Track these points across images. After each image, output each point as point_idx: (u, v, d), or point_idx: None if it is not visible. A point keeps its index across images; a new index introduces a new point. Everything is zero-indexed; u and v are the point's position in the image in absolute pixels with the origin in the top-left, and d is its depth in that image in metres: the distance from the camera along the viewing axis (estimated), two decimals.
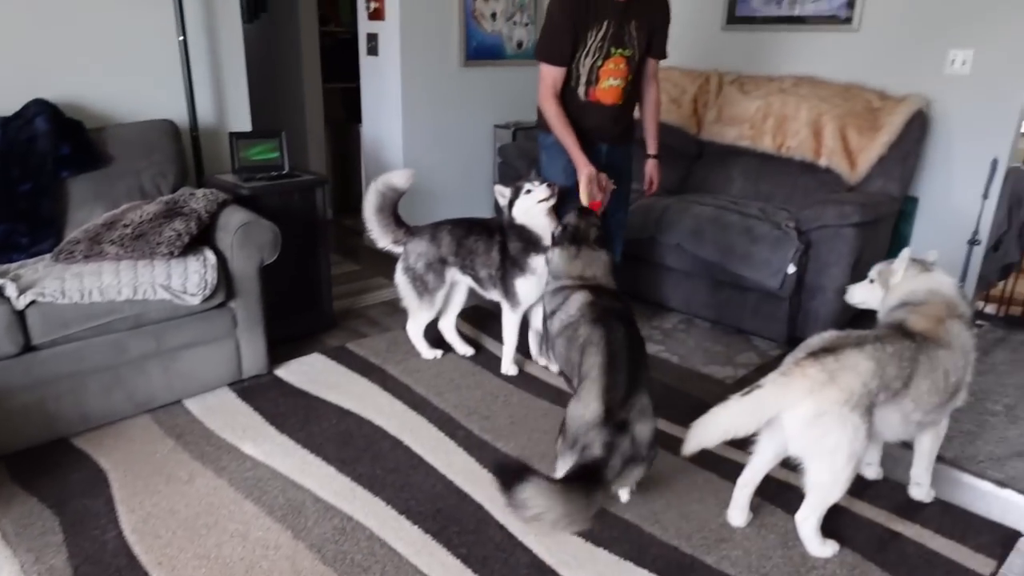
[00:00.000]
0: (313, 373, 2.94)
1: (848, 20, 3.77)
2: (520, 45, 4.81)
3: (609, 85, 2.75)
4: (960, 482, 2.38)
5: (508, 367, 3.01)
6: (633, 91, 2.86)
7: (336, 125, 5.49)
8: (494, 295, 2.96)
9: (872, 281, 2.32)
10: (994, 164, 3.44)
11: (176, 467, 2.30)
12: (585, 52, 2.68)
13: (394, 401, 2.75)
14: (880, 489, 2.31)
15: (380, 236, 3.00)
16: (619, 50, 2.70)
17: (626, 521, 2.12)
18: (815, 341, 1.95)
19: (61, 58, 2.98)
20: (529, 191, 2.73)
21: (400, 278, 2.99)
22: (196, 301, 2.51)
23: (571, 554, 1.98)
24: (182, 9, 3.17)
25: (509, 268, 2.83)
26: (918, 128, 3.48)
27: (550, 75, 2.70)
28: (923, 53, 3.56)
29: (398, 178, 2.97)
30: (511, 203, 2.78)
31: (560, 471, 1.97)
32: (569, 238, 2.39)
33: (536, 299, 2.86)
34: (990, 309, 3.80)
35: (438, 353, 3.10)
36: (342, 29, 5.57)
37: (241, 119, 3.60)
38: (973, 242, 3.57)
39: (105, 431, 2.49)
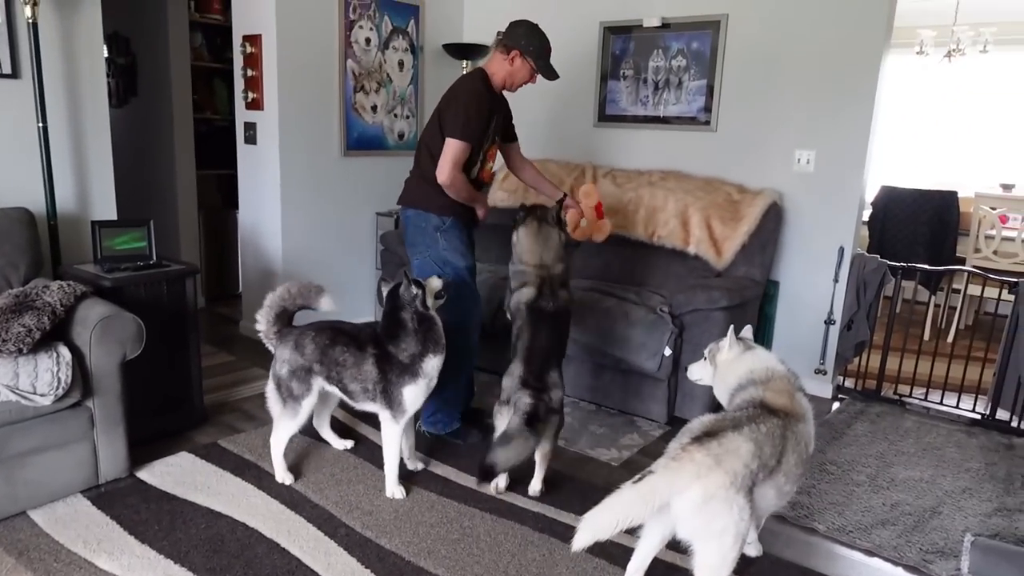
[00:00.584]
0: (180, 474, 2.74)
1: (707, 122, 4.12)
2: (402, 136, 4.91)
3: (489, 167, 3.18)
4: (834, 554, 2.49)
5: (393, 489, 2.69)
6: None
7: (211, 211, 5.33)
8: (368, 407, 2.71)
9: (705, 359, 2.47)
10: (841, 251, 3.79)
11: None
12: (487, 139, 3.04)
13: (270, 501, 2.59)
14: (762, 565, 2.37)
15: (262, 326, 2.79)
16: (496, 138, 3.13)
17: None
18: (696, 425, 2.00)
19: None
20: (425, 283, 2.64)
21: (269, 387, 2.76)
22: (47, 402, 2.30)
23: None
24: (42, 94, 3.03)
25: (397, 376, 2.59)
26: (774, 219, 3.79)
27: (463, 153, 2.89)
28: (773, 152, 3.92)
29: (325, 302, 2.81)
30: (424, 298, 2.61)
31: (499, 423, 2.63)
32: (532, 215, 2.86)
33: (420, 404, 2.71)
34: (849, 383, 4.08)
35: (290, 479, 2.75)
36: (218, 116, 5.49)
37: (106, 207, 3.43)
38: (829, 322, 3.87)
39: None
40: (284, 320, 2.78)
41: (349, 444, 3.06)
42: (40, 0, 2.96)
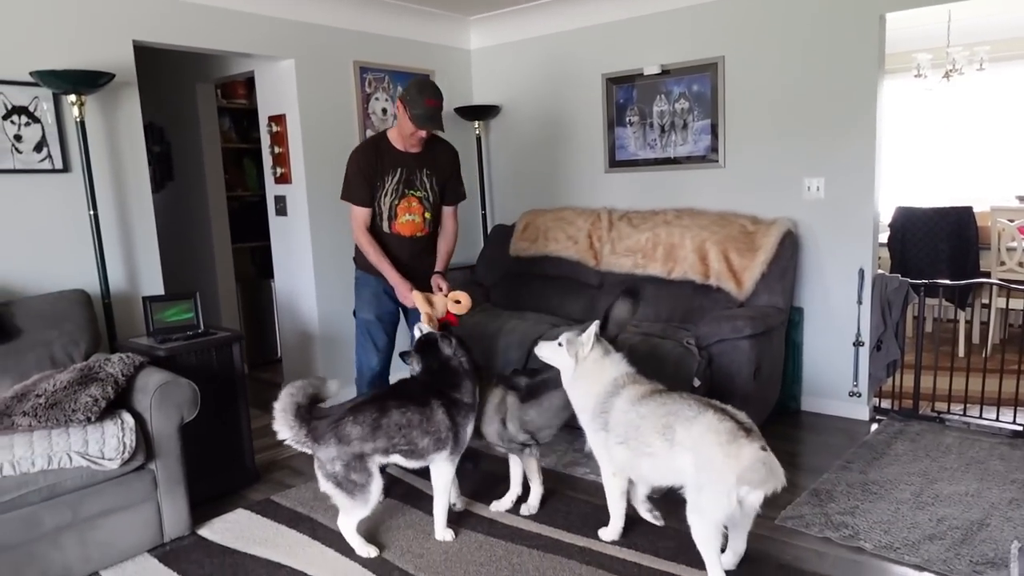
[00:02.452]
0: (238, 529, 2.85)
1: (715, 159, 4.27)
2: None
3: (406, 220, 3.31)
4: (884, 570, 2.51)
5: (443, 532, 2.75)
6: (432, 229, 3.42)
7: (248, 282, 5.56)
8: (434, 459, 2.72)
9: (560, 344, 2.69)
10: (861, 273, 3.86)
11: None
12: (384, 193, 3.25)
13: (325, 550, 2.69)
14: None
15: (286, 433, 2.59)
16: (411, 191, 3.29)
17: None
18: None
19: None
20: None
21: (325, 486, 2.62)
22: (115, 465, 2.45)
23: None
24: (92, 185, 3.27)
25: (463, 417, 2.74)
26: (790, 246, 3.89)
27: (357, 213, 3.26)
28: (783, 182, 4.05)
29: (332, 388, 2.73)
30: (455, 352, 2.84)
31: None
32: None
33: None
34: (885, 404, 4.09)
35: (374, 551, 2.67)
36: (248, 192, 5.77)
37: (153, 283, 3.65)
38: (858, 344, 3.92)
39: None
40: (306, 417, 2.59)
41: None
42: (87, 100, 3.23)
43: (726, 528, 2.30)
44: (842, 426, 3.87)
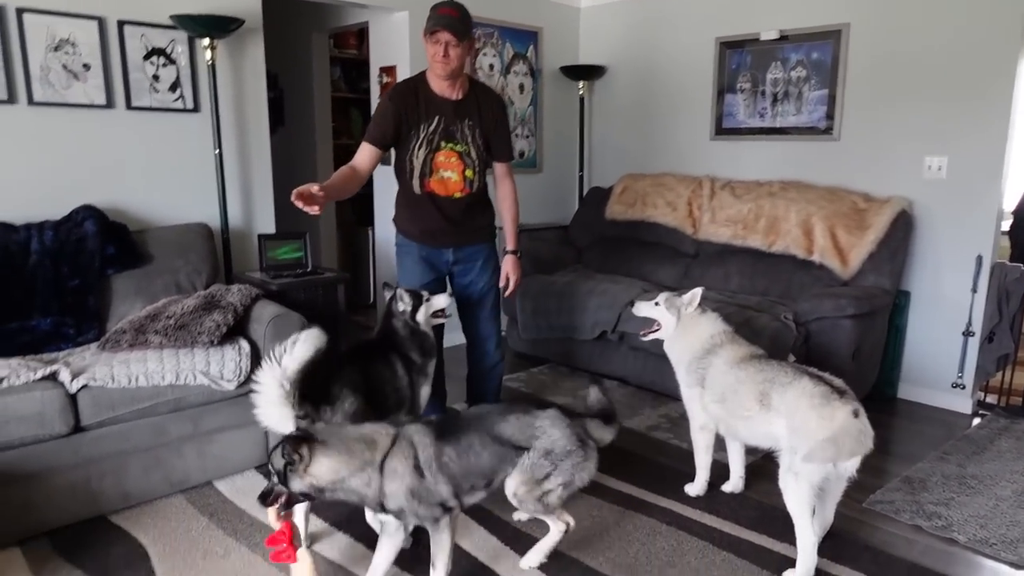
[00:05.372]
0: None
1: (828, 130, 4.11)
2: (522, 155, 5.15)
3: (442, 177, 2.84)
4: (979, 565, 2.44)
5: None
6: (477, 189, 2.92)
7: (347, 228, 5.77)
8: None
9: (658, 304, 2.80)
10: (979, 260, 3.67)
11: (211, 543, 2.37)
12: (417, 144, 2.78)
13: None
14: (899, 569, 2.36)
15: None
16: (449, 144, 2.82)
17: None
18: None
19: (108, 169, 3.26)
20: (428, 299, 2.68)
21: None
22: (232, 386, 2.64)
23: None
24: (219, 125, 3.46)
25: (415, 378, 2.63)
26: (903, 227, 3.73)
27: (361, 151, 2.79)
28: (901, 159, 3.87)
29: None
30: (414, 310, 2.64)
31: None
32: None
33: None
34: (991, 399, 3.92)
35: None
36: (353, 141, 5.94)
37: (267, 221, 3.85)
38: (967, 333, 3.74)
39: (143, 509, 2.58)
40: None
41: None
42: (218, 44, 3.40)
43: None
44: (941, 417, 3.73)
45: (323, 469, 1.84)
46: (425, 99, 2.78)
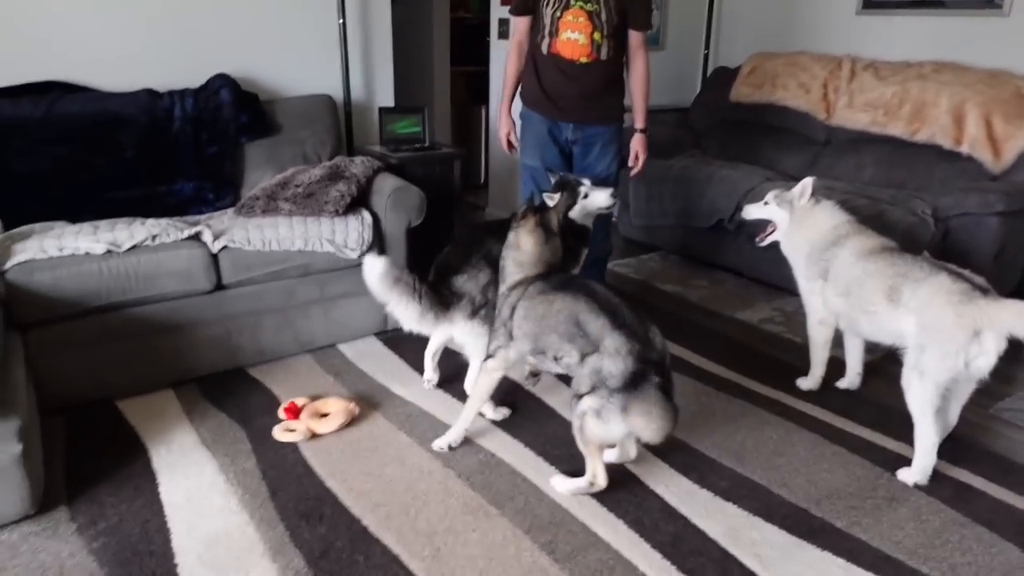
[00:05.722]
0: None
1: (995, 4, 3.64)
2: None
3: (568, 38, 2.70)
4: None
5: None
6: (608, 59, 2.75)
7: (460, 106, 5.73)
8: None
9: (767, 203, 2.70)
10: None
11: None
12: (546, 2, 2.69)
13: None
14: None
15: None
16: (579, 2, 2.67)
17: (753, 481, 2.20)
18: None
19: (239, 38, 3.32)
20: (586, 196, 2.44)
21: (475, 328, 2.41)
22: (355, 255, 2.76)
23: (701, 505, 2.08)
24: None
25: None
26: None
27: (514, 25, 2.81)
28: None
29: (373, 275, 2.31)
30: (567, 209, 2.40)
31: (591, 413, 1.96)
32: (534, 217, 2.25)
33: None
34: None
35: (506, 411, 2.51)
36: (470, 15, 5.80)
37: (386, 95, 3.87)
38: None
39: (275, 365, 2.80)
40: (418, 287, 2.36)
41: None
42: None
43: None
44: None
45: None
46: None
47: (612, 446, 2.18)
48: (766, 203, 2.71)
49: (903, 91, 3.77)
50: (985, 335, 2.05)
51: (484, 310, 2.39)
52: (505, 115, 2.98)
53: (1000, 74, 3.58)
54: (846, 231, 2.52)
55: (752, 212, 2.79)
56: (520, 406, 2.56)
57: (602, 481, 2.07)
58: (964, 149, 3.53)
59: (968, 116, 3.51)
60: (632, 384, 1.88)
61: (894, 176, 3.75)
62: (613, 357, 1.89)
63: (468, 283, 2.39)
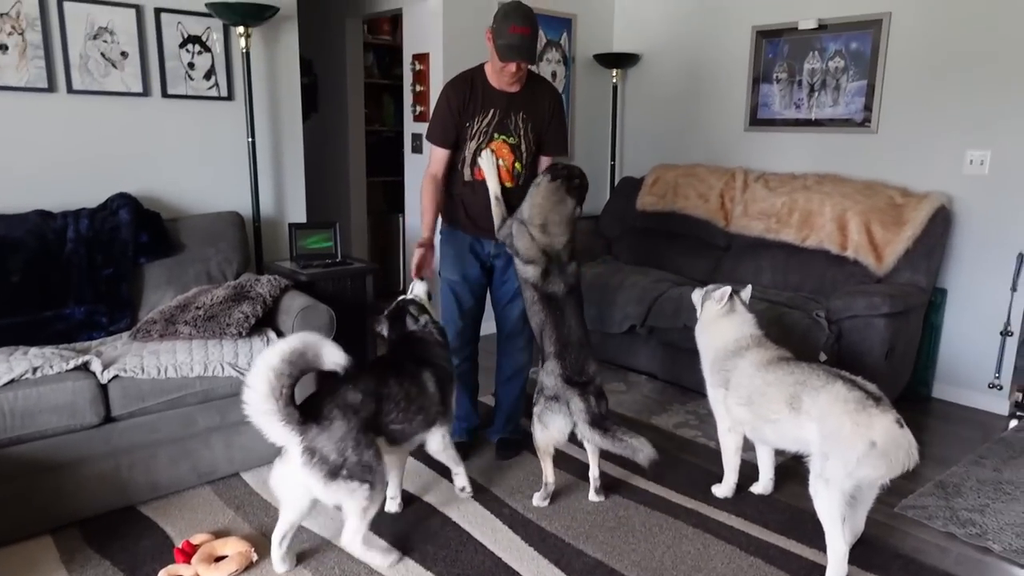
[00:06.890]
0: None
1: (866, 122, 4.00)
2: None
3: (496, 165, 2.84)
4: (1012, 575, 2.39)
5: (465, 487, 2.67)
6: (524, 183, 2.85)
7: (378, 215, 5.79)
8: (430, 431, 2.55)
9: (696, 295, 2.83)
10: (1020, 258, 3.55)
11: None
12: (471, 136, 2.81)
13: (441, 480, 2.84)
14: None
15: (268, 405, 2.05)
16: (502, 136, 2.83)
17: None
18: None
19: (143, 157, 3.29)
20: (406, 298, 2.70)
21: (329, 488, 2.11)
22: None
23: None
24: (252, 113, 3.47)
25: (450, 384, 2.66)
26: (942, 223, 3.62)
27: (434, 155, 2.85)
28: (941, 153, 3.75)
29: (329, 355, 2.11)
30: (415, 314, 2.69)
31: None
32: (556, 175, 2.69)
33: None
34: None
35: (396, 554, 2.33)
36: (385, 128, 5.95)
37: (298, 210, 3.86)
38: (1006, 333, 3.64)
39: (170, 500, 2.61)
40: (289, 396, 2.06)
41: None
42: (252, 32, 3.40)
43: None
44: (977, 419, 3.65)
45: None
46: (482, 91, 2.80)
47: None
48: (697, 295, 2.82)
49: (791, 201, 4.03)
50: (879, 445, 2.11)
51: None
52: (428, 247, 2.83)
53: (874, 184, 3.89)
54: (747, 344, 2.60)
55: (694, 297, 2.86)
56: (434, 533, 2.46)
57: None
58: (850, 254, 3.76)
59: (850, 224, 3.77)
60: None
61: (790, 279, 3.95)
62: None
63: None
